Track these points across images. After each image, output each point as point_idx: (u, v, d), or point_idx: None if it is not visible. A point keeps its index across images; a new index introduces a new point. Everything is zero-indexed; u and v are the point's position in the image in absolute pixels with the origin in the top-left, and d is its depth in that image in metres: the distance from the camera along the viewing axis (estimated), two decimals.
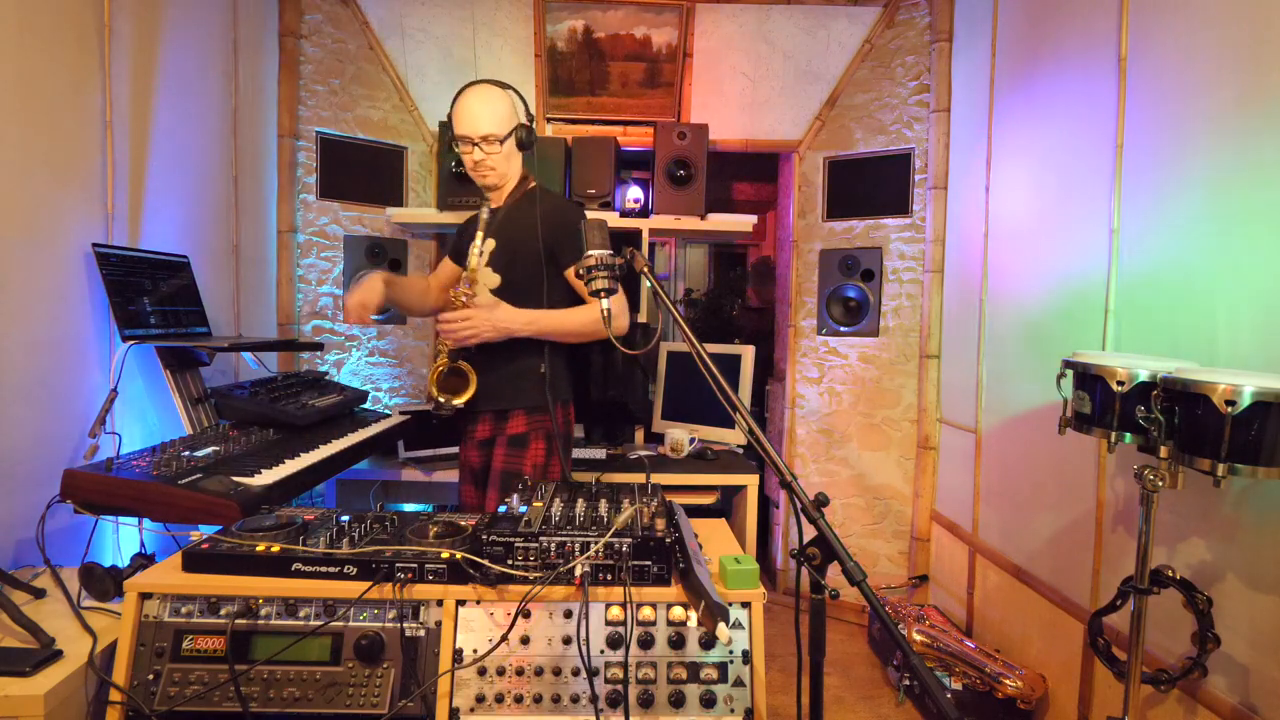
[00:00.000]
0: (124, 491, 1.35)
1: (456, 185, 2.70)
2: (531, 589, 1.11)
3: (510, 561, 1.13)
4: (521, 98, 1.84)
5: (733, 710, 1.12)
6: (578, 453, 2.55)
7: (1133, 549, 1.51)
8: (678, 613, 1.14)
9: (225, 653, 1.06)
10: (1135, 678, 1.46)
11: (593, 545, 1.12)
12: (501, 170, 1.81)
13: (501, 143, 1.76)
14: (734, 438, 2.80)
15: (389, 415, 2.33)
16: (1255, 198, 1.43)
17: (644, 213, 2.85)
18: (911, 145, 2.86)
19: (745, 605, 1.15)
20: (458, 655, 1.11)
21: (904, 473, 2.91)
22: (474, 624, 1.13)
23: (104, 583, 1.27)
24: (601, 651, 1.12)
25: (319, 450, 1.74)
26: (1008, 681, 2.04)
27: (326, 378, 2.39)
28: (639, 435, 2.99)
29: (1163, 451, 1.34)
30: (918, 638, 2.32)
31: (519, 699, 1.10)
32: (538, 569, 1.13)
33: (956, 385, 2.68)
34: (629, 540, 1.13)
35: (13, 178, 1.52)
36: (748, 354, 2.78)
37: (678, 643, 1.13)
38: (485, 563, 1.11)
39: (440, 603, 1.13)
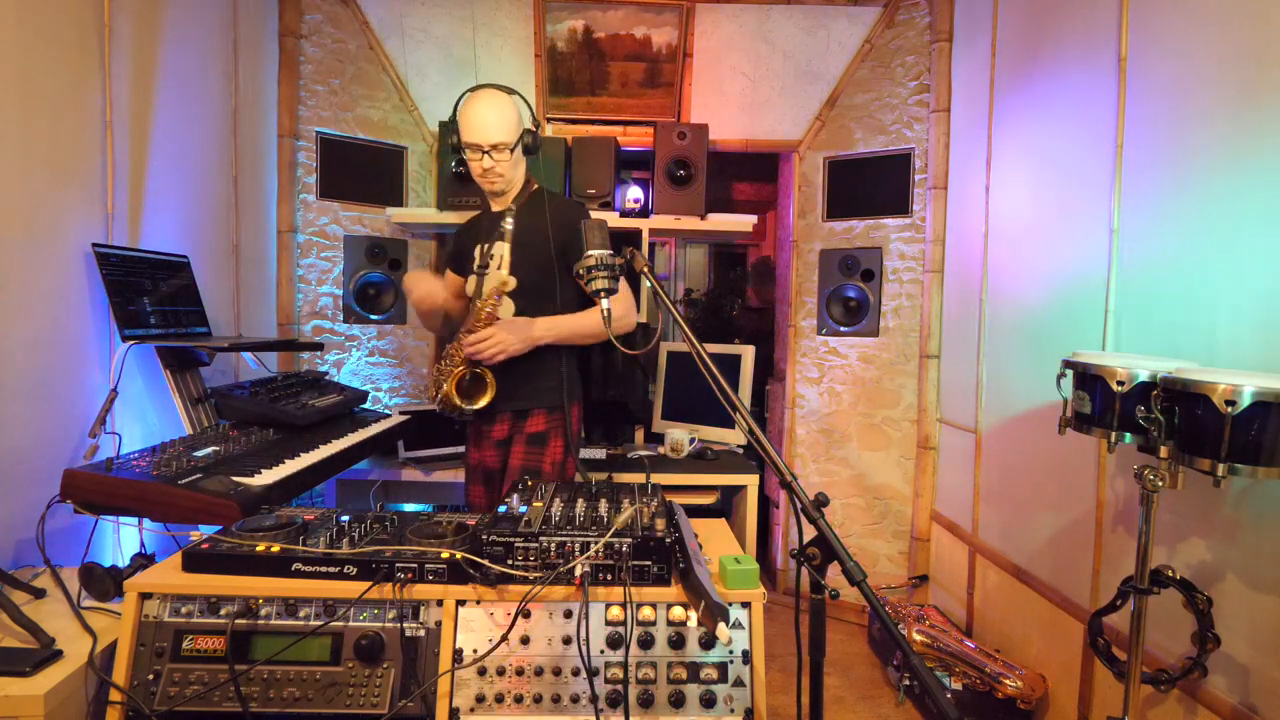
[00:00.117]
0: (124, 491, 1.35)
1: (456, 185, 2.70)
2: (531, 589, 1.11)
3: (510, 561, 1.13)
4: (525, 101, 1.86)
5: (733, 710, 1.12)
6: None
7: (1133, 549, 1.51)
8: (678, 613, 1.14)
9: (225, 653, 1.06)
10: (1135, 678, 1.46)
11: (593, 545, 1.12)
12: (509, 176, 1.83)
13: (510, 150, 1.78)
14: (734, 438, 2.80)
15: (389, 415, 2.33)
16: (1255, 197, 1.43)
17: (644, 213, 2.85)
18: (911, 145, 2.86)
19: (745, 605, 1.15)
20: (458, 655, 1.11)
21: (904, 473, 2.91)
22: (474, 624, 1.13)
23: (104, 583, 1.27)
24: (601, 651, 1.12)
25: (319, 450, 1.74)
26: (1008, 681, 2.04)
27: (326, 378, 2.39)
28: (639, 435, 2.99)
29: (1163, 451, 1.34)
30: (918, 638, 2.32)
31: (519, 699, 1.10)
32: (538, 569, 1.13)
33: (956, 385, 2.68)
34: (629, 540, 1.13)
35: (13, 178, 1.52)
36: (748, 354, 2.78)
37: (678, 643, 1.13)
38: (485, 563, 1.11)
39: (440, 603, 1.13)
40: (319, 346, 2.52)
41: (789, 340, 3.11)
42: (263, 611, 1.11)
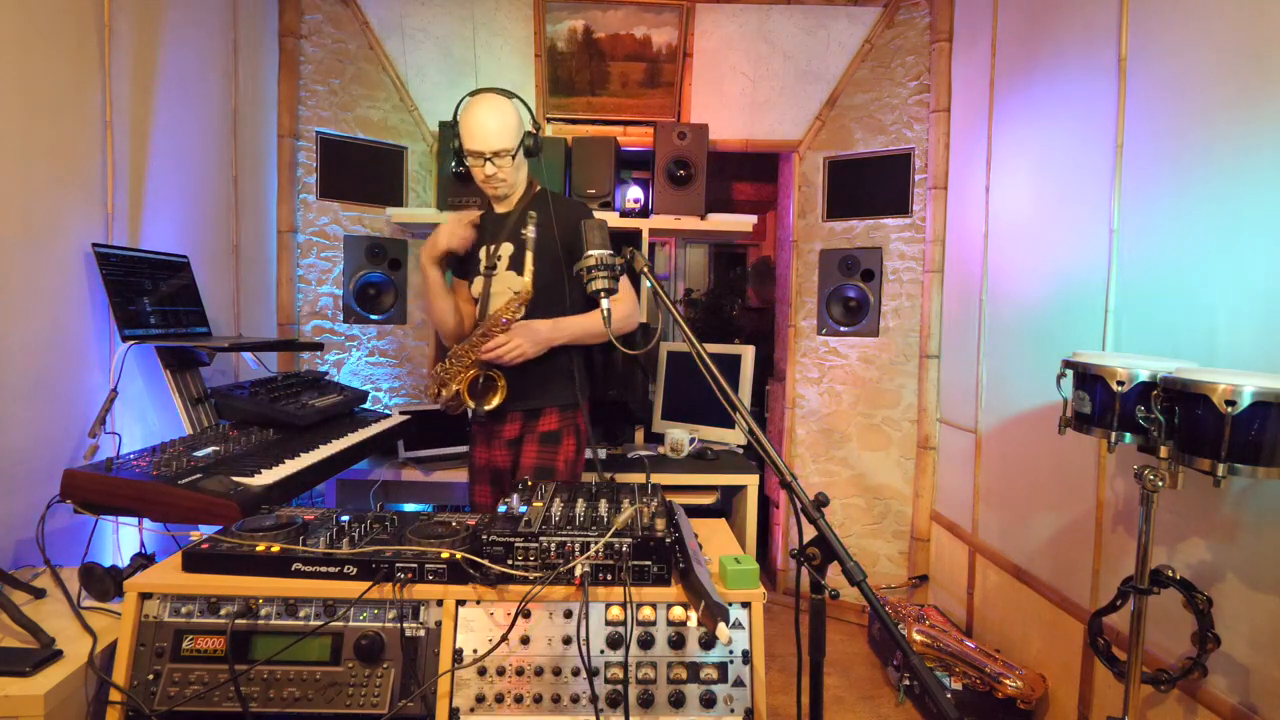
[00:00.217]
0: (124, 491, 1.35)
1: (457, 185, 2.70)
2: (531, 589, 1.11)
3: (510, 561, 1.13)
4: (525, 104, 1.86)
5: (733, 710, 1.12)
6: None
7: (1133, 549, 1.51)
8: (678, 613, 1.14)
9: (225, 653, 1.06)
10: (1135, 678, 1.46)
11: (593, 545, 1.12)
12: (512, 180, 1.84)
13: (512, 156, 1.79)
14: (734, 438, 2.80)
15: (389, 415, 2.33)
16: (1256, 197, 1.43)
17: (644, 213, 2.85)
18: (911, 145, 2.86)
19: (745, 605, 1.15)
20: (458, 655, 1.11)
21: (904, 473, 2.91)
22: (474, 624, 1.13)
23: (104, 583, 1.27)
24: (601, 651, 1.12)
25: (319, 450, 1.74)
26: (1008, 681, 2.04)
27: (326, 378, 2.39)
28: (639, 435, 2.99)
29: (1163, 451, 1.34)
30: (918, 638, 2.32)
31: (519, 699, 1.10)
32: (538, 569, 1.13)
33: (956, 385, 2.68)
34: (629, 540, 1.13)
35: (13, 178, 1.52)
36: (748, 354, 2.78)
37: (678, 643, 1.13)
38: (485, 563, 1.11)
39: (440, 603, 1.13)
40: (319, 346, 2.52)
41: (789, 340, 3.11)
42: (263, 611, 1.11)
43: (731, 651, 1.14)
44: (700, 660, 1.13)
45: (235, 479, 1.43)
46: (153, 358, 1.84)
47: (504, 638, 1.10)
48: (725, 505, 2.64)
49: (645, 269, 1.30)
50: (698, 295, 5.21)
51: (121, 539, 1.74)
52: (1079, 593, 1.93)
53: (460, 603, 1.13)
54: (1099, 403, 1.44)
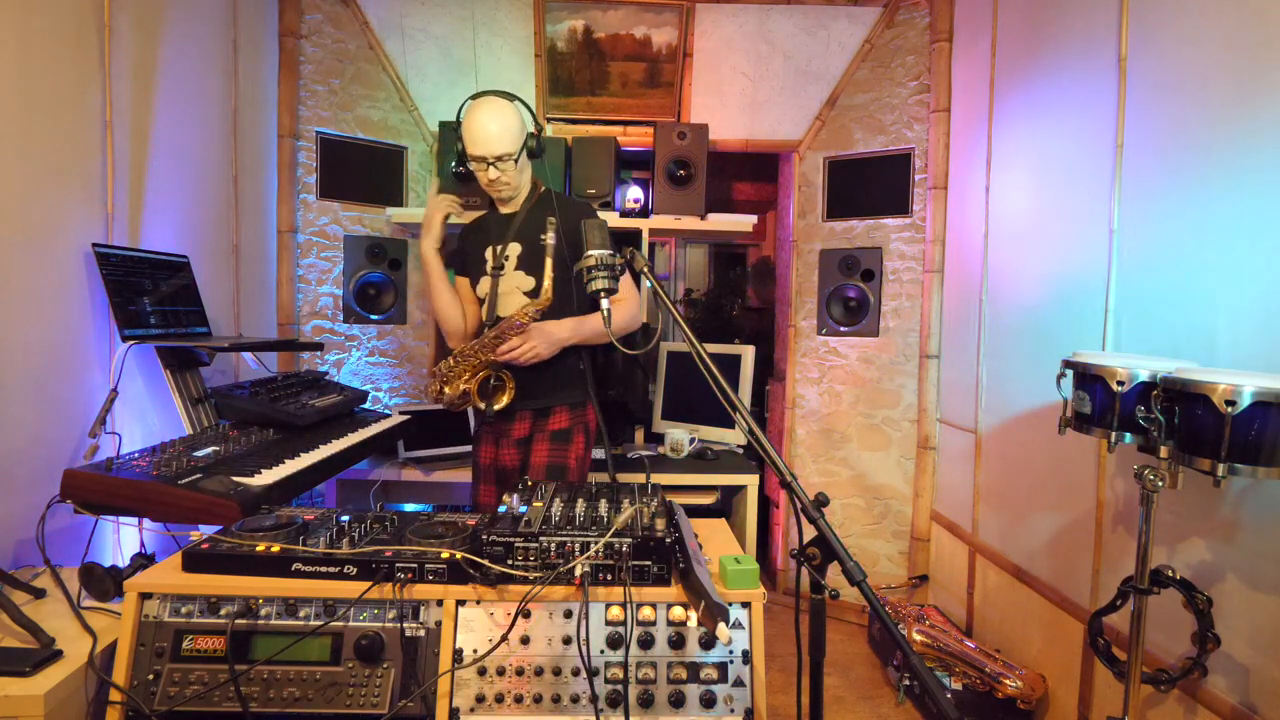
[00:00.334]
0: (124, 491, 1.35)
1: (457, 185, 2.69)
2: (531, 589, 1.11)
3: (510, 561, 1.13)
4: (526, 105, 1.86)
5: (733, 710, 1.12)
6: None
7: (1133, 549, 1.51)
8: (678, 613, 1.14)
9: (225, 653, 1.06)
10: (1135, 678, 1.46)
11: (593, 545, 1.12)
12: (516, 183, 1.84)
13: (515, 159, 1.79)
14: (734, 438, 2.80)
15: (389, 415, 2.33)
16: (1256, 197, 1.43)
17: (644, 213, 2.85)
18: (911, 145, 2.86)
19: (745, 605, 1.15)
20: (458, 655, 1.11)
21: (904, 473, 2.91)
22: (474, 624, 1.13)
23: (104, 583, 1.27)
24: (601, 651, 1.12)
25: (319, 450, 1.74)
26: (1008, 681, 2.04)
27: (326, 378, 2.39)
28: (639, 435, 2.99)
29: (1163, 451, 1.34)
30: (918, 638, 2.32)
31: (519, 699, 1.10)
32: (538, 569, 1.13)
33: (956, 385, 2.68)
34: (629, 540, 1.13)
35: (13, 178, 1.52)
36: (748, 354, 2.78)
37: (678, 643, 1.13)
38: (485, 563, 1.11)
39: (440, 603, 1.13)
40: (319, 346, 2.52)
41: (789, 340, 3.11)
42: (263, 611, 1.11)
43: (731, 651, 1.14)
44: (700, 660, 1.13)
45: (235, 479, 1.43)
46: (153, 358, 1.84)
47: (504, 638, 1.10)
48: (725, 505, 2.64)
49: (645, 269, 1.30)
50: (698, 295, 5.21)
51: (121, 539, 1.74)
52: (1079, 593, 1.93)
53: (460, 603, 1.13)
54: (1099, 403, 1.44)
